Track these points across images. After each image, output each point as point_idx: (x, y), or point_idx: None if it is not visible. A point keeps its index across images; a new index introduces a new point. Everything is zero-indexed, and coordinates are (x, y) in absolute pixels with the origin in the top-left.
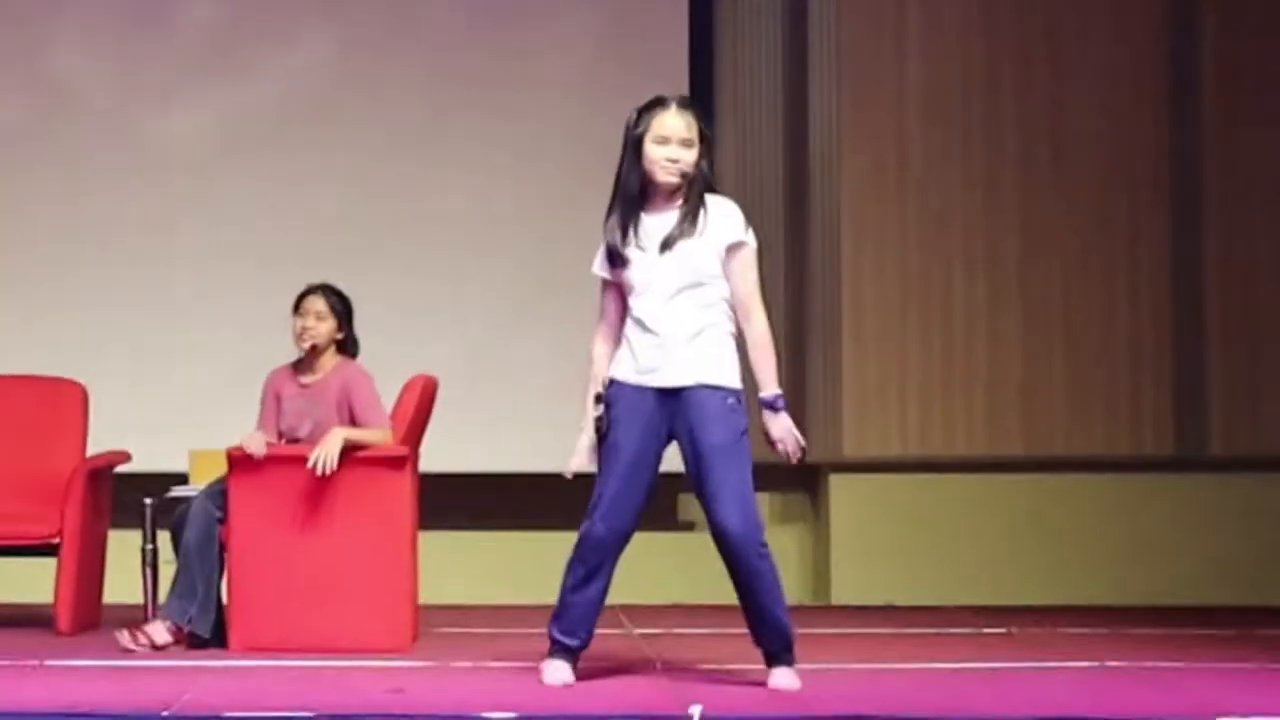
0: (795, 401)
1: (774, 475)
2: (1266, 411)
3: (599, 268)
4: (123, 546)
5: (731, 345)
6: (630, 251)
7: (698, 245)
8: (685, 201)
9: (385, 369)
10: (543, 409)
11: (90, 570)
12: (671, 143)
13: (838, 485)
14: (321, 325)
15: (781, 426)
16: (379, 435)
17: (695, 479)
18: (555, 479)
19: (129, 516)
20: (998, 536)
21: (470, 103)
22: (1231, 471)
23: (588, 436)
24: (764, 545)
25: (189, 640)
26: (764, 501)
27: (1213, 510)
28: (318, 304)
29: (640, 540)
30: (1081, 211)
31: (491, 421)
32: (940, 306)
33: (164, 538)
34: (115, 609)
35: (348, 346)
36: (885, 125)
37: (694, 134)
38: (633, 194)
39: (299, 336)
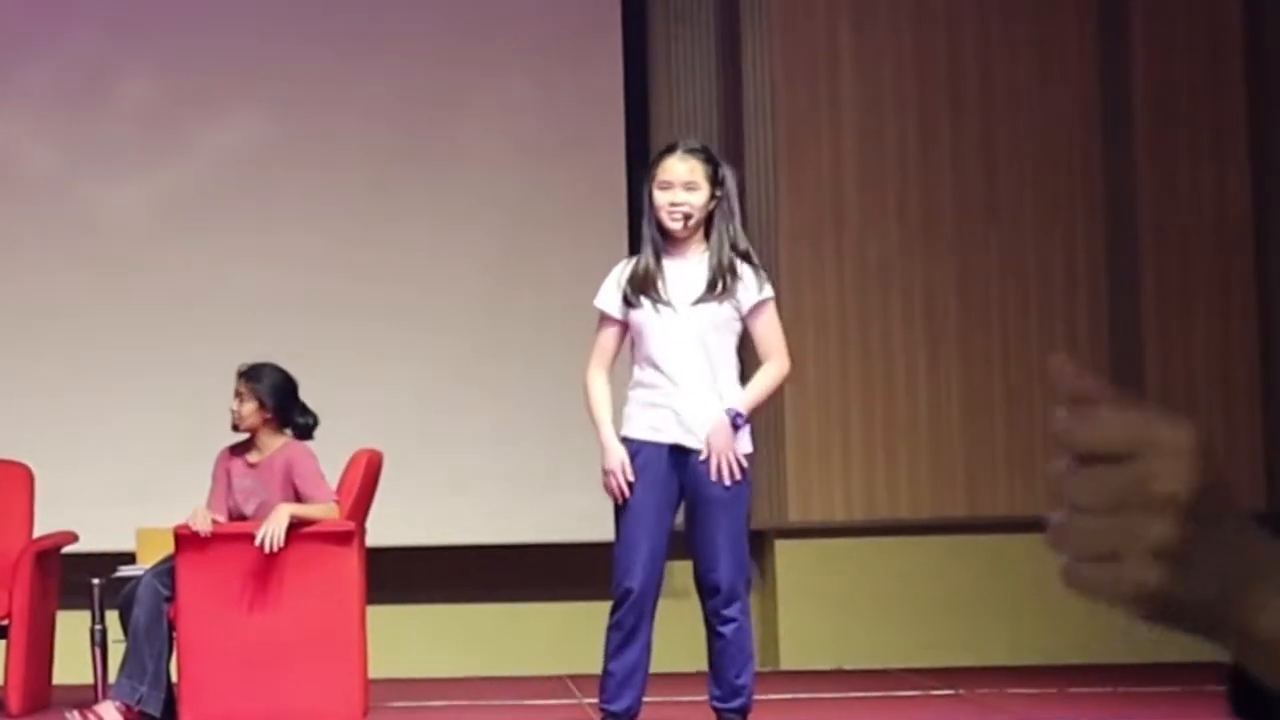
0: None
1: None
2: None
3: (607, 304)
4: (72, 627)
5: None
6: (649, 299)
7: (722, 306)
8: (712, 253)
9: (328, 444)
10: (489, 480)
11: (39, 651)
12: (674, 187)
13: (783, 551)
14: (242, 407)
15: (722, 436)
16: (325, 510)
17: (689, 531)
18: (503, 550)
19: (77, 597)
20: (945, 598)
21: (407, 174)
22: None
23: (617, 449)
24: (746, 603)
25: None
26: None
27: None
28: (239, 385)
29: (591, 609)
30: (1019, 266)
31: (438, 494)
32: (881, 367)
33: (113, 617)
34: (65, 690)
35: (290, 421)
36: (822, 180)
37: (698, 177)
38: (653, 241)
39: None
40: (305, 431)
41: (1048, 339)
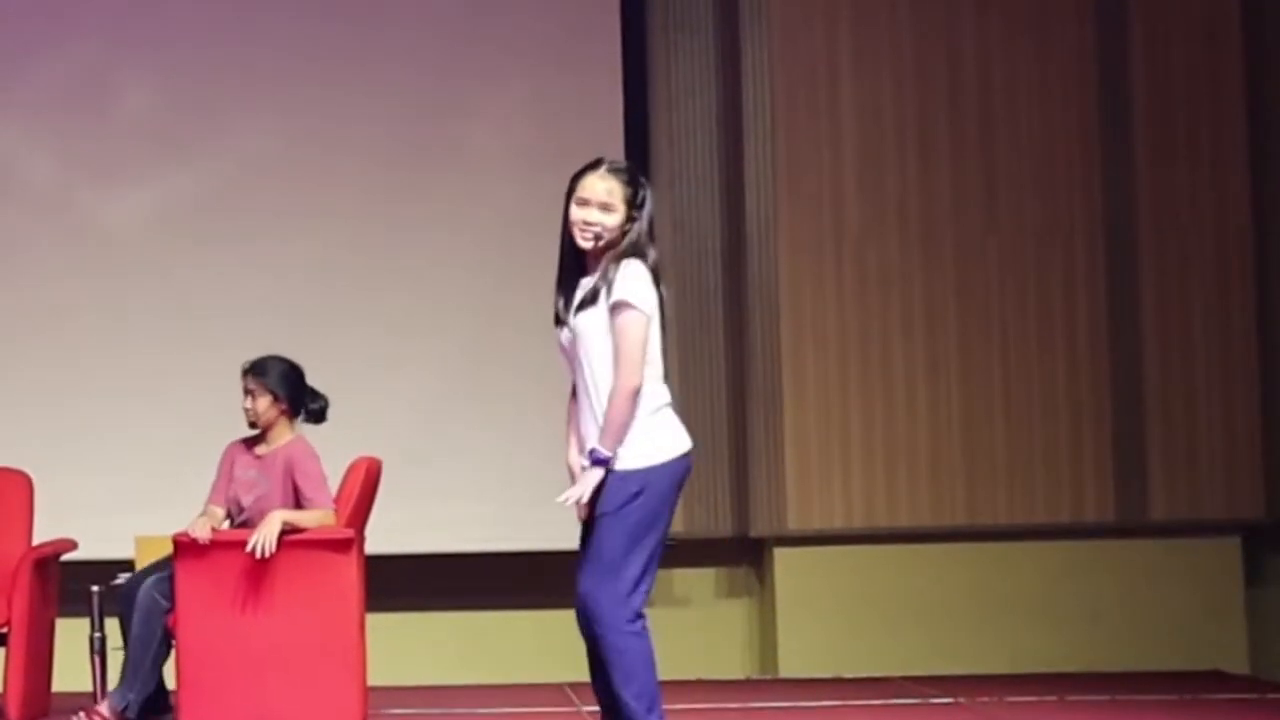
0: (738, 476)
1: (719, 550)
2: (1204, 476)
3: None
4: (71, 634)
5: (641, 418)
6: (560, 315)
7: (602, 316)
8: (603, 271)
9: (328, 451)
10: (488, 488)
11: (39, 658)
12: (590, 205)
13: (782, 558)
14: (257, 403)
15: (585, 480)
16: (320, 517)
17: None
18: (502, 557)
19: (77, 604)
20: (943, 606)
21: (407, 184)
22: (1172, 536)
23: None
24: (632, 622)
25: None
26: (709, 576)
27: (1155, 575)
28: (250, 382)
29: None
30: (1018, 275)
31: (437, 502)
32: (880, 376)
33: (112, 625)
34: (64, 697)
35: (302, 412)
36: (822, 192)
37: (616, 199)
38: (566, 256)
39: (245, 415)
40: (319, 415)
41: (1047, 347)
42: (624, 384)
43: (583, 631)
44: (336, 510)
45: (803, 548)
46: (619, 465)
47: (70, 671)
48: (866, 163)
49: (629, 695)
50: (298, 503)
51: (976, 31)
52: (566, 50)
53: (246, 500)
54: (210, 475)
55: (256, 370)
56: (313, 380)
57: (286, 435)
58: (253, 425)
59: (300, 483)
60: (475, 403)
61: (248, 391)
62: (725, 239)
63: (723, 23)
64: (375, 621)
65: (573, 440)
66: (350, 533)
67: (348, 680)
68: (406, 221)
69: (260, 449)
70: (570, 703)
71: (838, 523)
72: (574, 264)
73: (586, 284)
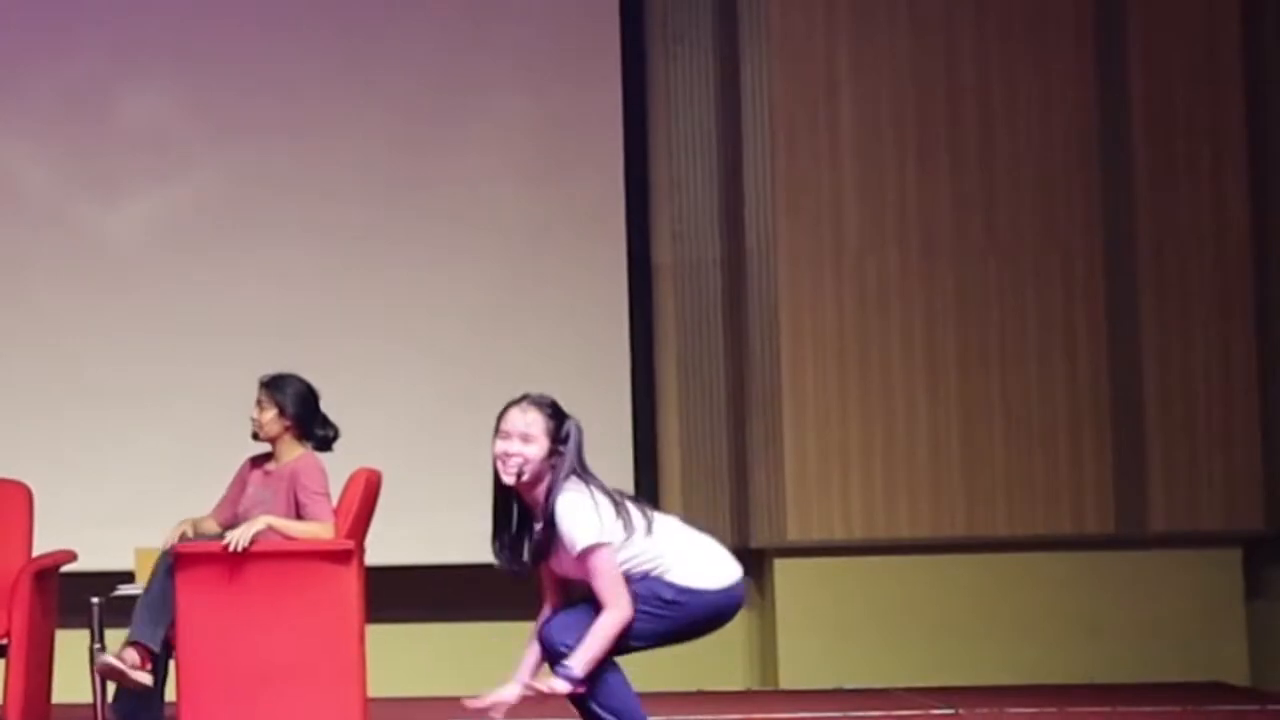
0: (739, 486)
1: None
2: (1204, 487)
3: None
4: (70, 646)
5: (660, 575)
6: (522, 559)
7: (566, 553)
8: (543, 511)
9: (329, 462)
10: (488, 499)
11: (38, 670)
12: (511, 437)
13: (782, 570)
14: (263, 415)
15: (549, 686)
16: (316, 529)
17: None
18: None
19: (76, 616)
20: (943, 617)
21: (406, 197)
22: (1172, 548)
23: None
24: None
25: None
26: None
27: (1155, 587)
28: (261, 394)
29: None
30: (1017, 287)
31: (437, 513)
32: (880, 387)
33: (111, 636)
34: (64, 709)
35: (309, 433)
36: (821, 205)
37: (535, 430)
38: (496, 494)
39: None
40: (325, 444)
41: (1047, 359)
42: (619, 616)
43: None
44: (336, 522)
45: (803, 559)
46: (571, 666)
47: (70, 683)
48: (866, 175)
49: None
50: (298, 515)
51: (975, 45)
52: (566, 63)
53: (251, 517)
54: (210, 487)
55: (272, 384)
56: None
57: (295, 451)
58: (255, 436)
59: (299, 495)
60: (475, 415)
61: (258, 402)
62: (724, 251)
63: (722, 35)
64: (376, 633)
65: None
66: (350, 544)
67: (348, 692)
68: (406, 233)
69: (270, 465)
70: (571, 713)
71: (838, 534)
72: (508, 504)
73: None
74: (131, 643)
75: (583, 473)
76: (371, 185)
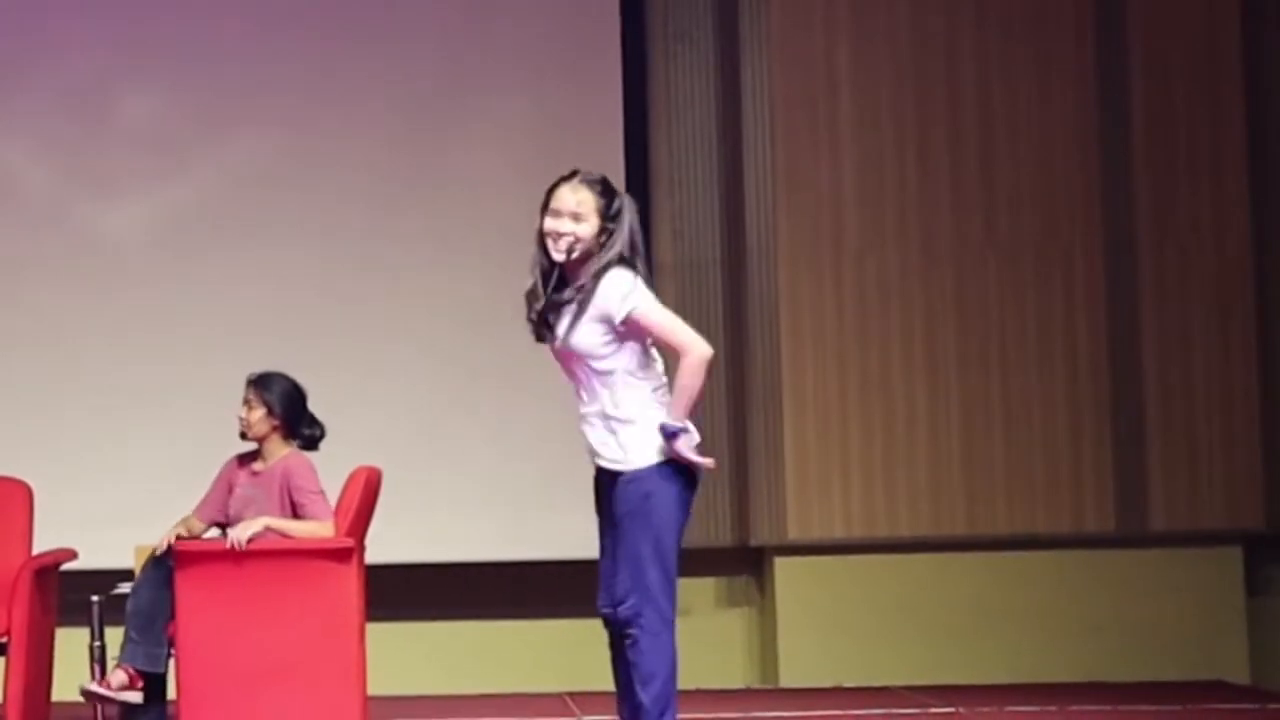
0: (738, 485)
1: (720, 559)
2: (1205, 486)
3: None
4: (71, 644)
5: (634, 422)
6: (546, 330)
7: (586, 328)
8: (580, 283)
9: (328, 462)
10: (488, 498)
11: (38, 668)
12: (561, 216)
13: (782, 568)
14: (251, 415)
15: (673, 450)
16: (314, 528)
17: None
18: (502, 567)
19: (76, 614)
20: (943, 616)
21: (406, 196)
22: (1172, 546)
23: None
24: (650, 622)
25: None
26: (708, 585)
27: (1155, 585)
28: (248, 394)
29: (589, 627)
30: (1018, 285)
31: (437, 512)
32: (880, 386)
33: (112, 634)
34: (64, 707)
35: (297, 432)
36: (821, 203)
37: (586, 209)
38: (542, 268)
39: (238, 424)
40: (311, 443)
41: (1047, 357)
42: (695, 354)
43: (609, 634)
44: (336, 521)
45: (803, 557)
46: (627, 467)
47: (70, 681)
48: (866, 173)
49: (648, 698)
50: (295, 515)
51: (975, 45)
52: (566, 62)
53: (247, 516)
54: (209, 485)
55: (259, 383)
56: (313, 390)
57: (282, 451)
58: (243, 436)
59: (295, 495)
60: (475, 413)
61: (246, 401)
62: (725, 249)
63: (722, 34)
64: (376, 631)
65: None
66: (350, 542)
67: (348, 690)
68: (405, 233)
69: (257, 465)
70: (570, 712)
71: (838, 532)
72: (548, 275)
73: (568, 299)
74: (121, 664)
75: (631, 262)
76: (372, 185)
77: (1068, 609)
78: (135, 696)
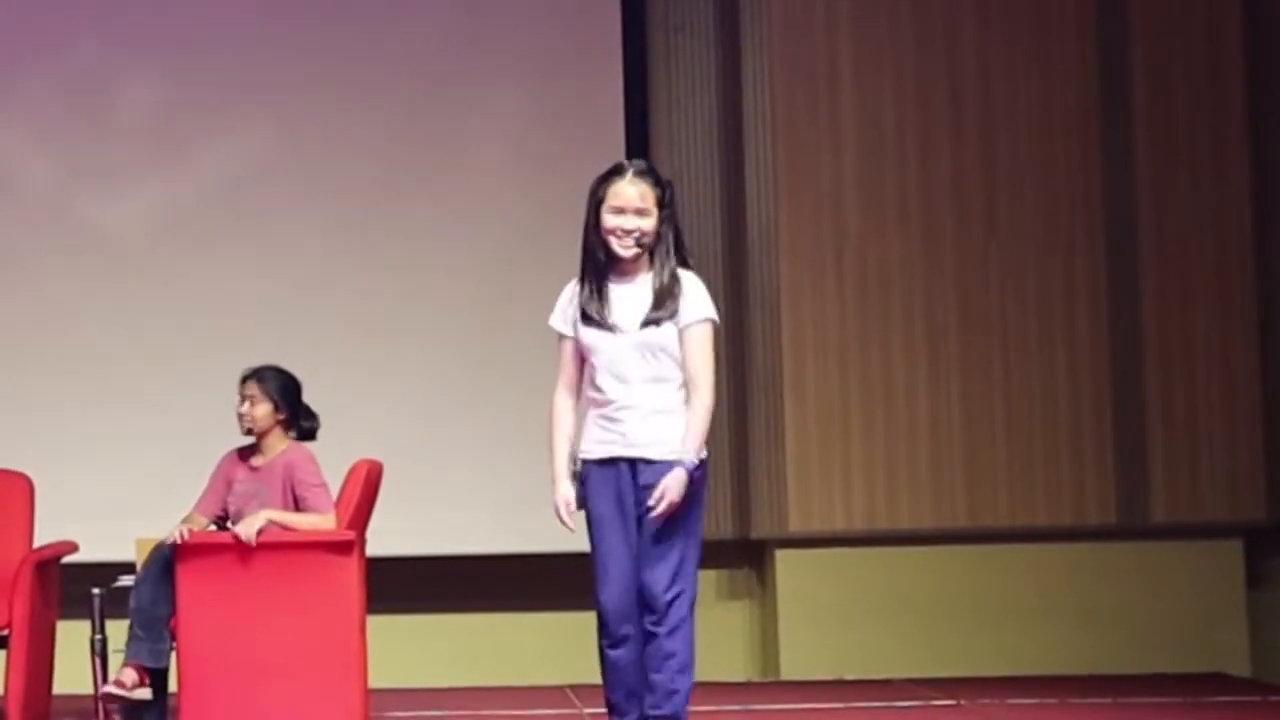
0: (739, 477)
1: (720, 552)
2: (1206, 478)
3: (560, 324)
4: (72, 637)
5: (679, 414)
6: (597, 319)
7: (668, 323)
8: (655, 275)
9: (329, 454)
10: (490, 490)
11: (40, 661)
12: (626, 213)
13: (783, 560)
14: (256, 409)
15: (676, 485)
16: (316, 520)
17: (639, 540)
18: (503, 560)
19: (77, 607)
20: (944, 608)
21: (407, 188)
22: (1173, 539)
23: (565, 485)
24: (681, 611)
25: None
26: (710, 578)
27: (1156, 578)
28: (251, 388)
29: (590, 619)
30: (1019, 277)
31: (438, 504)
32: (881, 379)
33: (113, 627)
34: (65, 699)
35: (295, 426)
36: (822, 196)
37: (649, 202)
38: (599, 262)
39: (239, 420)
40: (309, 434)
41: (1048, 350)
42: (711, 398)
43: (617, 629)
44: (337, 514)
45: (804, 550)
46: (686, 457)
47: (71, 674)
48: (867, 166)
49: (680, 687)
50: (297, 508)
51: (977, 35)
52: (567, 54)
53: (248, 513)
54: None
55: (259, 377)
56: (315, 383)
57: (282, 444)
58: (249, 432)
59: (298, 489)
60: (477, 405)
61: (246, 398)
62: (726, 242)
63: (723, 26)
64: (376, 624)
65: (566, 439)
66: (351, 535)
67: (349, 683)
68: (407, 225)
69: (256, 460)
70: (572, 704)
71: (839, 525)
72: (604, 268)
73: (631, 291)
74: (128, 662)
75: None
76: (372, 178)
77: (1068, 601)
78: (146, 693)
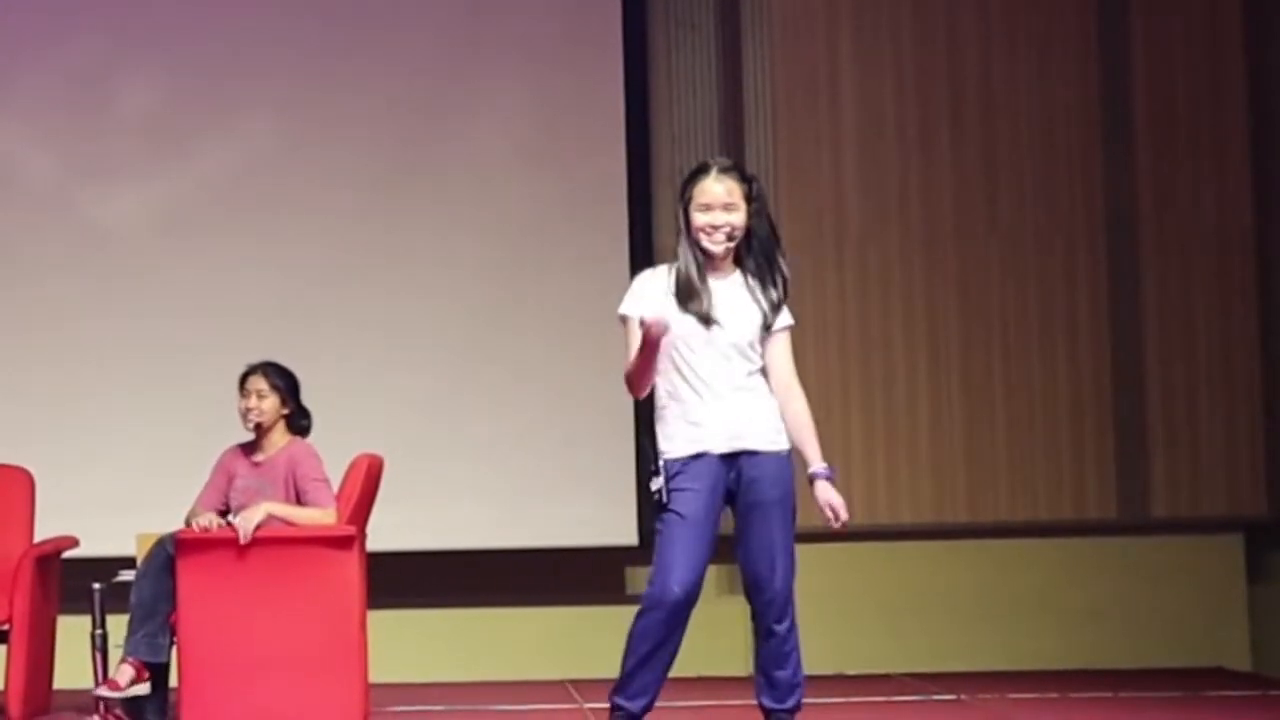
0: None
1: (722, 546)
2: (1206, 473)
3: (634, 309)
4: (72, 631)
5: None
6: (694, 312)
7: (758, 316)
8: (752, 271)
9: (330, 449)
10: (490, 485)
11: (40, 656)
12: (714, 209)
13: None
14: (264, 403)
15: (831, 492)
16: (315, 514)
17: (740, 534)
18: (504, 555)
19: (78, 602)
20: (945, 603)
21: (408, 183)
22: (1174, 533)
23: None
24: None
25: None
26: (710, 572)
27: (1156, 572)
28: (259, 383)
29: (591, 614)
30: (1019, 273)
31: (439, 499)
32: (882, 374)
33: (114, 622)
34: (65, 694)
35: (296, 422)
36: (823, 190)
37: (736, 197)
38: (696, 259)
39: (244, 416)
40: (304, 432)
41: (1049, 346)
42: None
43: (673, 626)
44: (338, 508)
45: (805, 545)
46: (820, 465)
47: (71, 669)
48: (867, 161)
49: (802, 676)
50: (299, 502)
51: (978, 29)
52: (568, 48)
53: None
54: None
55: (265, 372)
56: (315, 379)
57: (283, 440)
58: (257, 426)
59: (300, 483)
60: (477, 400)
61: (253, 392)
62: None
63: (724, 20)
64: (377, 619)
65: (683, 435)
66: (352, 530)
67: (350, 677)
68: (408, 219)
69: (257, 456)
70: (572, 699)
71: None
72: (701, 266)
73: (724, 287)
74: (126, 657)
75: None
76: (374, 173)
77: (1069, 596)
78: (144, 689)
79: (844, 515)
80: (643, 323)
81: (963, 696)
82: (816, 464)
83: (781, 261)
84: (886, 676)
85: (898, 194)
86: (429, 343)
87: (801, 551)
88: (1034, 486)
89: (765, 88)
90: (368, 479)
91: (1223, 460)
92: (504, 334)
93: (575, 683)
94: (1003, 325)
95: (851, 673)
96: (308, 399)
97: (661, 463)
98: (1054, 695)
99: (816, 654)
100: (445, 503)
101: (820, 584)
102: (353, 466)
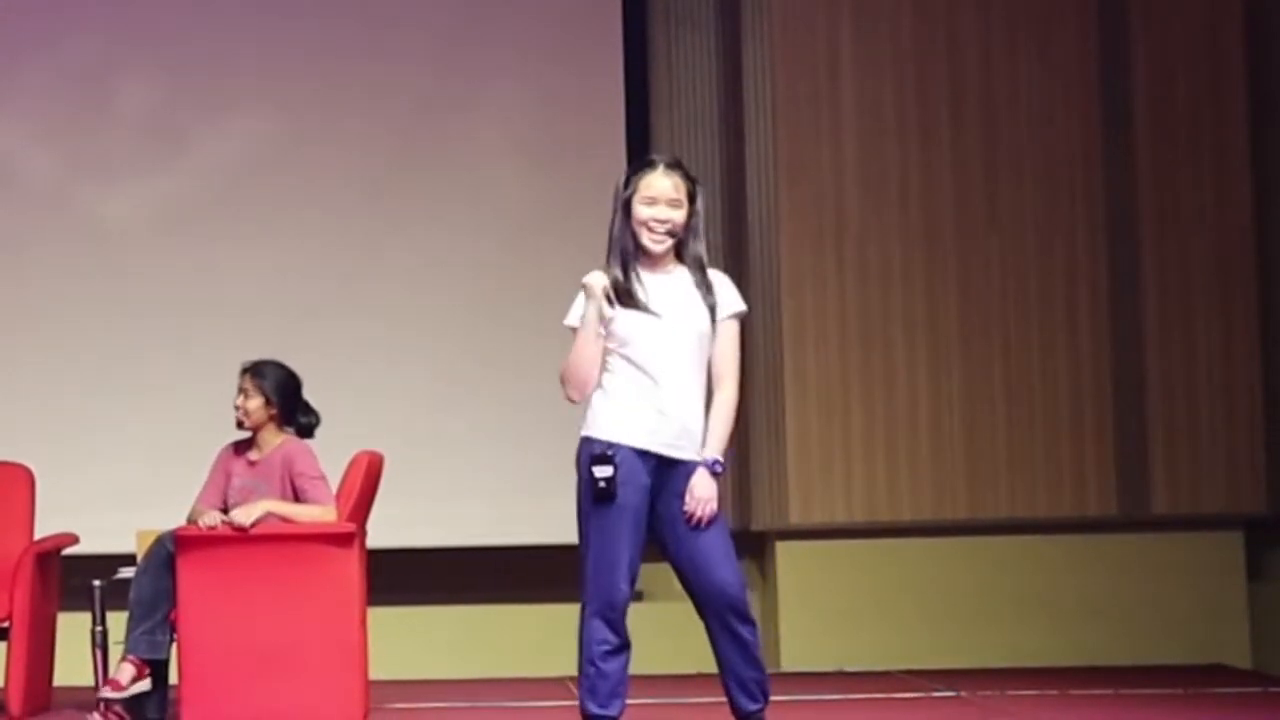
0: (740, 469)
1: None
2: (1206, 470)
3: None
4: (72, 629)
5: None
6: (640, 305)
7: (705, 313)
8: (687, 265)
9: (329, 446)
10: (489, 482)
11: (40, 653)
12: (659, 203)
13: (784, 552)
14: (249, 403)
15: (709, 488)
16: (317, 513)
17: (678, 542)
18: (503, 551)
19: (78, 599)
20: (945, 600)
21: (408, 179)
22: (1173, 530)
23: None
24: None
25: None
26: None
27: (1156, 569)
28: (244, 382)
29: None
30: (1020, 269)
31: (438, 497)
32: (882, 370)
33: (114, 619)
34: (66, 691)
35: (291, 422)
36: (823, 186)
37: (682, 194)
38: (629, 253)
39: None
40: (307, 430)
41: (1049, 343)
42: (737, 395)
43: (623, 630)
44: (338, 505)
45: (804, 541)
46: (710, 455)
47: (71, 666)
48: (868, 157)
49: (767, 673)
50: (297, 501)
51: (978, 25)
52: (567, 45)
53: None
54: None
55: (255, 371)
56: (315, 376)
57: (277, 439)
58: (240, 425)
59: (297, 481)
60: (476, 398)
61: (242, 390)
62: (727, 233)
63: (724, 17)
64: (377, 616)
65: (624, 422)
66: (352, 527)
67: (350, 674)
68: (407, 217)
69: (253, 455)
70: (571, 696)
71: (839, 517)
72: (634, 258)
73: (666, 280)
74: (126, 655)
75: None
76: (374, 169)
77: (1069, 593)
78: (145, 686)
79: (700, 513)
80: (585, 285)
81: (963, 693)
82: (710, 452)
83: (705, 258)
84: (886, 673)
85: (898, 192)
86: (429, 340)
87: (801, 550)
88: (1034, 483)
89: (765, 84)
90: (368, 476)
91: (1222, 457)
92: (504, 331)
93: (574, 679)
94: (1003, 321)
95: (851, 669)
96: (307, 396)
97: (610, 451)
98: (1054, 692)
99: (816, 651)
100: (445, 499)
101: (819, 580)
102: (353, 464)
